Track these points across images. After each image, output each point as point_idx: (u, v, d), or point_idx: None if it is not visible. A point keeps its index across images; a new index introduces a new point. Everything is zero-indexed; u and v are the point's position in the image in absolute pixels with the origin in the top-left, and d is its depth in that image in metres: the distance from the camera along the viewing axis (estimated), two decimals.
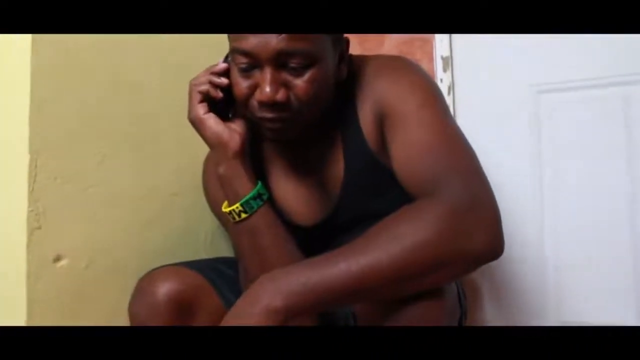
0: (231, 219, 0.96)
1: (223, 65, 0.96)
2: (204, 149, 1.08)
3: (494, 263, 0.86)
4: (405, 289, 0.81)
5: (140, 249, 1.19)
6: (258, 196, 0.94)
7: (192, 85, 0.96)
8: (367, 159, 1.00)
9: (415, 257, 0.79)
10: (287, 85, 0.90)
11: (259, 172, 1.03)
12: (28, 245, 1.02)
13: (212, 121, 0.95)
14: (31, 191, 1.02)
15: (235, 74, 0.93)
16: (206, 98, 0.96)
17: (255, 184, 0.95)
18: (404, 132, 0.93)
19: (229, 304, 1.06)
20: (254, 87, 0.91)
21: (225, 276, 1.10)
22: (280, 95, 0.89)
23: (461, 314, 1.02)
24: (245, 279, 0.99)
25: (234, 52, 0.92)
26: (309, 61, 0.90)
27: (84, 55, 1.12)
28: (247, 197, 0.94)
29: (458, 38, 1.55)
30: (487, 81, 1.51)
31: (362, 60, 1.03)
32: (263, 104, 0.90)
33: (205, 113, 0.95)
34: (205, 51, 1.24)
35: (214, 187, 1.07)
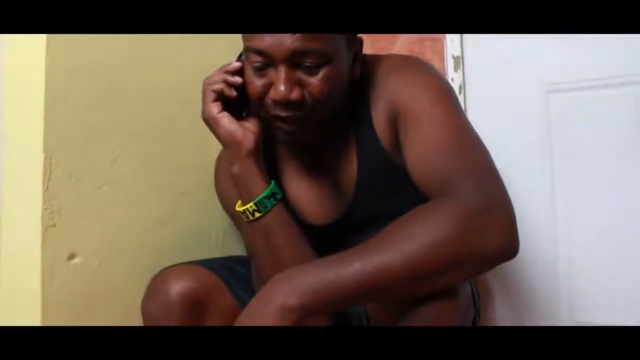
0: (245, 218, 0.96)
1: (237, 64, 0.96)
2: (216, 148, 1.09)
3: (505, 263, 0.86)
4: (419, 288, 0.81)
5: (152, 247, 1.19)
6: (272, 195, 0.94)
7: (206, 84, 0.97)
8: (381, 159, 1.00)
9: (430, 257, 0.79)
10: (301, 84, 0.90)
11: (272, 171, 1.03)
12: (43, 243, 1.02)
13: (226, 120, 0.95)
14: (46, 189, 1.03)
15: (249, 72, 0.93)
16: (220, 97, 0.96)
17: (269, 183, 0.95)
18: (417, 131, 0.93)
19: (242, 302, 1.06)
20: (268, 86, 0.91)
21: (238, 275, 1.11)
22: (295, 94, 0.89)
23: (475, 314, 1.02)
24: (258, 278, 0.99)
25: (248, 51, 0.92)
26: (324, 60, 0.90)
27: (98, 54, 1.12)
28: (261, 196, 0.94)
29: (469, 37, 1.54)
30: (498, 80, 1.50)
31: (375, 60, 1.03)
32: (277, 103, 0.90)
33: (219, 112, 0.95)
34: (218, 51, 1.25)
35: (227, 186, 1.07)
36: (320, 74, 0.90)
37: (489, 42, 1.52)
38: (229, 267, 1.12)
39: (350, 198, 1.04)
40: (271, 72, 0.91)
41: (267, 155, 1.01)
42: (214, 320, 1.06)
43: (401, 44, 1.62)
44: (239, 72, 0.96)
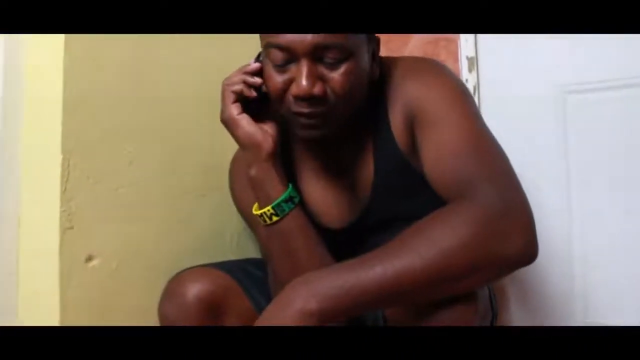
0: (262, 222, 0.96)
1: (256, 65, 0.96)
2: (230, 149, 1.09)
3: None
4: (439, 292, 0.81)
5: (169, 250, 1.20)
6: (290, 199, 0.94)
7: (225, 85, 0.96)
8: (398, 161, 1.00)
9: (450, 261, 0.78)
10: (323, 79, 0.90)
11: (288, 173, 1.03)
12: (60, 245, 1.03)
13: (245, 122, 0.95)
14: (64, 191, 1.03)
15: (270, 69, 0.92)
16: (239, 98, 0.95)
17: (287, 187, 0.95)
18: (434, 134, 0.93)
19: (258, 305, 1.07)
20: (289, 82, 0.91)
21: (254, 277, 1.11)
22: (318, 89, 0.89)
23: (492, 316, 1.02)
24: (274, 281, 0.99)
25: (268, 47, 0.91)
26: (345, 55, 0.90)
27: (116, 56, 1.13)
28: (279, 199, 0.94)
29: (483, 38, 1.54)
30: (512, 82, 1.49)
31: (391, 62, 1.03)
32: (299, 98, 0.90)
33: (239, 113, 0.95)
34: (235, 52, 1.24)
35: (242, 189, 1.07)
36: (342, 69, 0.90)
37: (503, 43, 1.51)
38: (245, 270, 1.12)
39: (366, 201, 1.03)
40: (292, 68, 0.90)
41: (283, 158, 1.01)
42: (229, 323, 1.07)
43: (414, 44, 1.61)
44: (258, 72, 0.95)
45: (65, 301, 1.03)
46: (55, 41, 1.05)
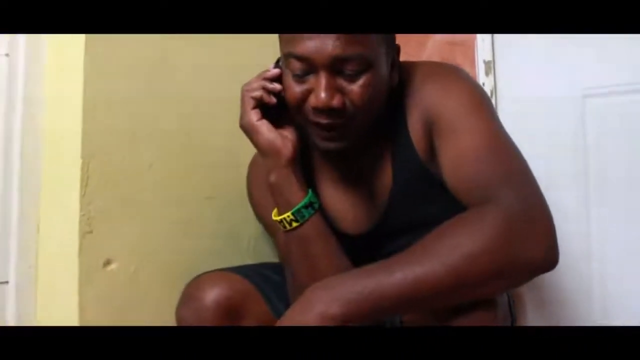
0: (281, 228, 0.96)
1: (276, 71, 0.95)
2: (248, 153, 1.09)
3: None
4: (459, 298, 0.81)
5: (187, 253, 1.20)
6: (309, 205, 0.94)
7: (245, 91, 0.96)
8: (416, 167, 0.99)
9: (471, 267, 0.78)
10: (342, 91, 0.89)
11: (308, 179, 1.03)
12: (79, 249, 1.03)
13: (265, 128, 0.94)
14: (83, 195, 1.04)
15: (288, 79, 0.92)
16: (258, 104, 0.95)
17: (307, 192, 0.95)
18: (454, 140, 0.92)
19: (275, 310, 1.07)
20: (308, 93, 0.91)
21: (271, 282, 1.11)
22: (336, 101, 0.88)
23: (512, 322, 1.01)
24: (293, 286, 0.99)
25: (288, 57, 0.91)
26: (364, 67, 0.89)
27: (135, 61, 1.14)
28: (299, 205, 0.93)
29: (500, 42, 1.53)
30: (530, 86, 1.48)
31: (409, 66, 1.02)
32: (318, 110, 0.90)
33: (258, 119, 0.94)
34: (251, 57, 1.25)
35: (261, 194, 1.08)
36: (361, 81, 0.89)
37: (520, 47, 1.50)
38: (262, 274, 1.12)
39: (384, 207, 1.03)
40: (311, 79, 0.90)
41: (303, 164, 1.01)
42: None
43: (431, 48, 1.61)
44: (277, 78, 0.95)
45: (83, 304, 1.04)
46: (76, 47, 1.06)
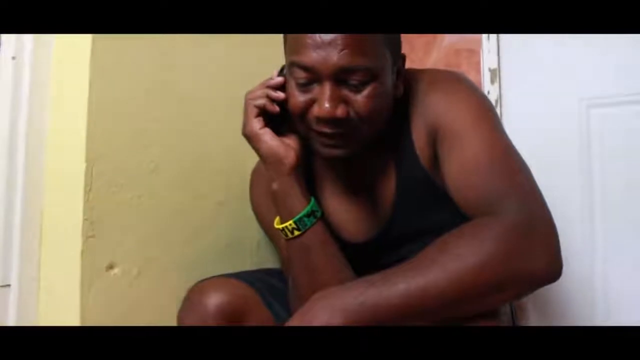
0: (283, 236, 0.96)
1: (279, 79, 0.95)
2: (251, 158, 1.09)
3: None
4: (464, 310, 0.81)
5: (189, 258, 1.20)
6: (311, 213, 0.94)
7: (248, 100, 0.96)
8: (420, 177, 0.99)
9: (475, 279, 0.78)
10: (346, 101, 0.89)
11: (310, 187, 1.03)
12: (82, 253, 1.04)
13: (268, 136, 0.94)
14: (86, 200, 1.04)
15: (292, 87, 0.92)
16: (261, 112, 0.95)
17: (309, 201, 0.95)
18: (457, 149, 0.92)
19: (277, 316, 1.07)
20: (311, 102, 0.91)
21: (274, 288, 1.10)
22: (340, 112, 0.88)
23: None
24: (294, 294, 0.99)
25: (292, 65, 0.91)
26: (369, 78, 0.89)
27: (140, 66, 1.14)
28: (301, 214, 0.93)
29: (506, 49, 1.53)
30: (535, 94, 1.48)
31: (414, 74, 1.02)
32: (321, 120, 0.90)
33: (261, 128, 0.94)
34: (256, 63, 1.26)
35: (263, 202, 1.08)
36: (366, 92, 0.89)
37: (526, 55, 1.50)
38: (265, 281, 1.12)
39: (387, 216, 1.03)
40: (315, 89, 0.90)
41: (305, 171, 1.01)
42: None
43: (437, 55, 1.61)
44: (281, 87, 0.95)
45: (85, 309, 1.04)
46: (81, 51, 1.06)
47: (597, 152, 1.40)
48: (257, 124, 0.95)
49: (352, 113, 0.90)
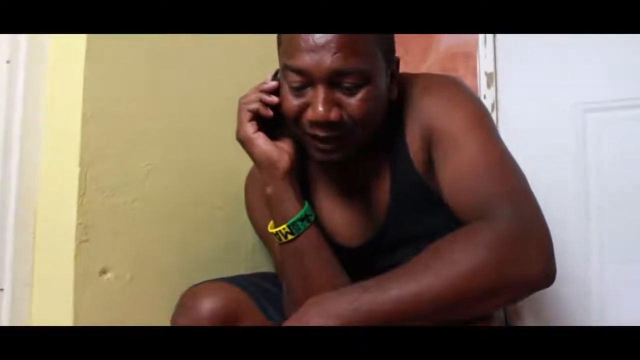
0: (277, 240, 0.96)
1: (273, 84, 0.95)
2: (246, 162, 1.08)
3: None
4: (457, 315, 0.81)
5: (183, 262, 1.20)
6: (305, 217, 0.94)
7: (242, 104, 0.96)
8: (414, 181, 0.99)
9: (468, 284, 0.78)
10: (340, 105, 0.89)
11: (304, 191, 1.02)
12: (75, 258, 1.03)
13: (261, 140, 0.94)
14: (80, 204, 1.04)
15: (286, 91, 0.92)
16: (255, 116, 0.95)
17: (303, 205, 0.94)
18: (452, 154, 0.92)
19: (271, 320, 1.07)
20: (305, 106, 0.90)
21: (268, 293, 1.10)
22: (334, 115, 0.88)
23: None
24: (288, 299, 0.99)
25: (286, 69, 0.91)
26: (363, 81, 0.89)
27: (135, 70, 1.13)
28: (294, 218, 0.93)
29: (502, 53, 1.53)
30: (532, 99, 1.48)
31: (409, 79, 1.02)
32: (315, 123, 0.89)
33: (254, 132, 0.94)
34: (252, 67, 1.25)
35: (257, 206, 1.08)
36: (359, 95, 0.89)
37: (522, 59, 1.50)
38: (259, 285, 1.12)
39: (381, 220, 1.02)
40: (309, 92, 0.90)
41: (299, 175, 1.01)
42: None
43: (433, 59, 1.61)
44: (275, 91, 0.95)
45: (78, 313, 1.03)
46: (76, 55, 1.06)
47: (593, 156, 1.40)
48: (250, 128, 0.95)
49: (345, 116, 0.90)
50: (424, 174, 0.98)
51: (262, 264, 1.33)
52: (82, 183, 1.04)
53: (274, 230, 0.95)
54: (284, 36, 0.92)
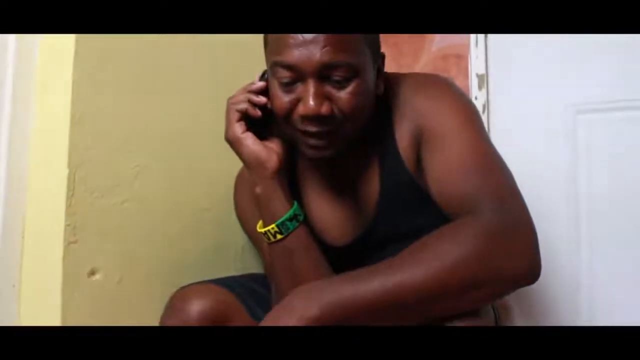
0: (266, 240, 0.96)
1: (261, 84, 0.96)
2: (235, 164, 1.08)
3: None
4: (440, 308, 0.81)
5: (172, 264, 1.19)
6: (294, 217, 0.94)
7: (230, 104, 0.96)
8: (403, 179, 0.99)
9: (451, 276, 0.79)
10: (330, 98, 0.90)
11: (293, 190, 1.02)
12: (64, 259, 1.03)
13: (250, 140, 0.94)
14: (69, 205, 1.03)
15: (276, 88, 0.92)
16: (244, 117, 0.96)
17: (292, 204, 0.95)
18: (441, 151, 0.93)
19: (259, 321, 1.06)
20: (296, 102, 0.91)
21: (257, 295, 1.10)
22: (325, 108, 0.89)
23: None
24: (277, 299, 0.98)
25: (275, 66, 0.91)
26: (352, 74, 0.89)
27: (123, 71, 1.13)
28: (283, 218, 0.93)
29: (494, 55, 1.53)
30: (523, 100, 1.48)
31: (399, 78, 1.03)
32: (306, 118, 0.90)
33: (243, 132, 0.95)
34: (240, 68, 1.25)
35: (246, 206, 1.08)
36: (349, 88, 0.90)
37: (514, 60, 1.50)
38: (247, 286, 1.11)
39: (370, 218, 1.03)
40: (299, 88, 0.90)
41: (288, 175, 1.01)
42: None
43: (425, 60, 1.61)
44: (263, 91, 0.96)
45: (67, 315, 1.03)
46: (65, 56, 1.06)
47: (584, 157, 1.40)
48: (239, 129, 0.95)
49: (336, 110, 0.90)
50: (413, 172, 0.99)
51: (251, 266, 1.32)
52: (71, 184, 1.04)
53: (263, 230, 0.95)
54: (271, 35, 0.93)
